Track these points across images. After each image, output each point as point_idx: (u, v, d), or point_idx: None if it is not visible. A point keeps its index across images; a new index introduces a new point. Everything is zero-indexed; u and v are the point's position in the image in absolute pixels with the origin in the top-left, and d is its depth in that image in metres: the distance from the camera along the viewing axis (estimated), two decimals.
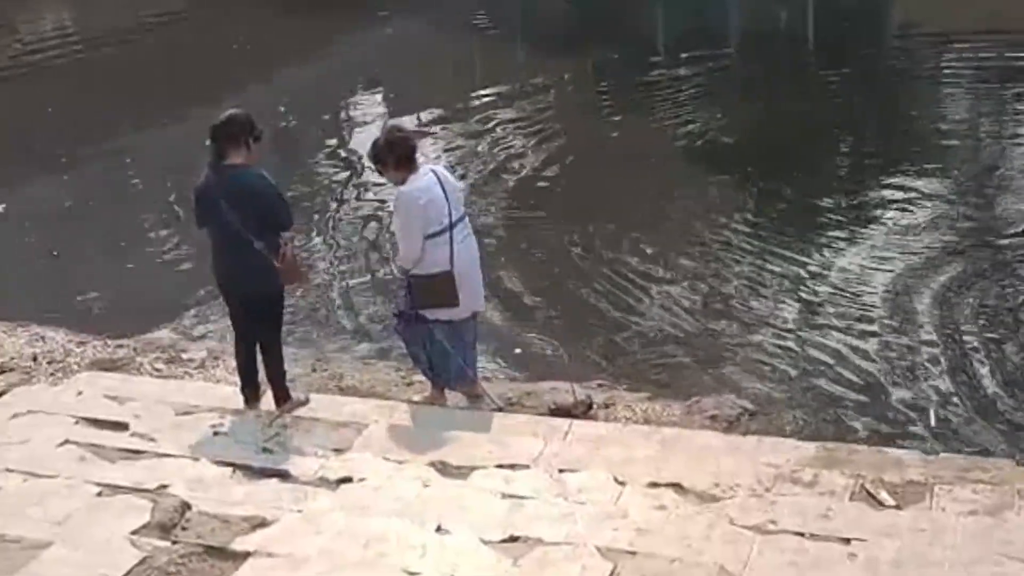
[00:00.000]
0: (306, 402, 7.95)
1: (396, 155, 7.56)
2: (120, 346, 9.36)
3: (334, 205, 13.39)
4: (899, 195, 12.59)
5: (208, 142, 7.59)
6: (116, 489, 6.72)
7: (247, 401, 7.94)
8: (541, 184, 13.65)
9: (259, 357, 7.94)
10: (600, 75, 18.91)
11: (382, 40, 21.20)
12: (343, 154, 15.62)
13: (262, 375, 7.96)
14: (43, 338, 9.47)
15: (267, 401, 7.94)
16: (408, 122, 15.25)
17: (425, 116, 16.28)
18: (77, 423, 7.68)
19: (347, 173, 14.61)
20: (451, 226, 7.57)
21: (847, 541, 6.00)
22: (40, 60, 21.20)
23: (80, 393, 8.20)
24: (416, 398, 8.15)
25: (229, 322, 9.56)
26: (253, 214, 7.39)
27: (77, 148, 15.27)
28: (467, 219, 7.83)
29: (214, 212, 7.42)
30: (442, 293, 7.60)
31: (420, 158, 7.78)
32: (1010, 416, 8.38)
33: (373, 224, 12.49)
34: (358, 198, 13.53)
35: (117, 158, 14.94)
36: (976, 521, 6.17)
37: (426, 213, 7.46)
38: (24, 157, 15.04)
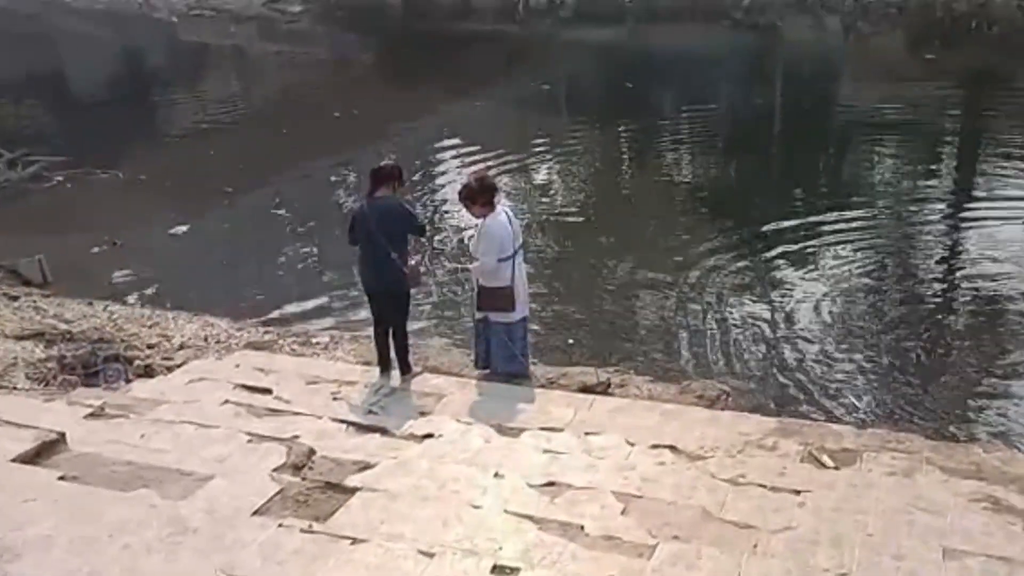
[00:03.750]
0: (420, 373, 7.98)
1: (486, 196, 7.52)
2: (267, 332, 9.42)
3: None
4: (840, 233, 12.46)
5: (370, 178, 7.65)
6: (262, 438, 6.77)
7: (382, 371, 7.95)
8: (573, 221, 13.56)
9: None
10: (621, 138, 18.85)
11: (471, 110, 21.17)
12: (431, 192, 15.65)
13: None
14: (212, 324, 9.55)
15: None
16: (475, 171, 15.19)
17: (493, 168, 16.19)
18: (235, 388, 7.73)
19: (432, 209, 14.60)
20: (515, 253, 7.56)
21: (798, 492, 5.96)
22: (215, 124, 21.42)
23: (237, 366, 8.27)
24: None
25: (348, 316, 9.58)
26: (394, 231, 7.47)
27: (238, 185, 15.38)
28: (522, 248, 7.82)
29: (366, 230, 7.47)
30: (503, 301, 7.60)
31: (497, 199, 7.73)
32: (921, 402, 8.32)
33: (452, 246, 12.50)
34: (440, 227, 13.54)
35: (268, 193, 15.02)
36: (895, 480, 6.12)
37: (503, 243, 7.46)
38: (199, 191, 15.18)
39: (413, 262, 7.67)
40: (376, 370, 7.99)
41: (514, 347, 7.75)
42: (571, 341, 9.60)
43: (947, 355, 9.16)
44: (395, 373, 7.93)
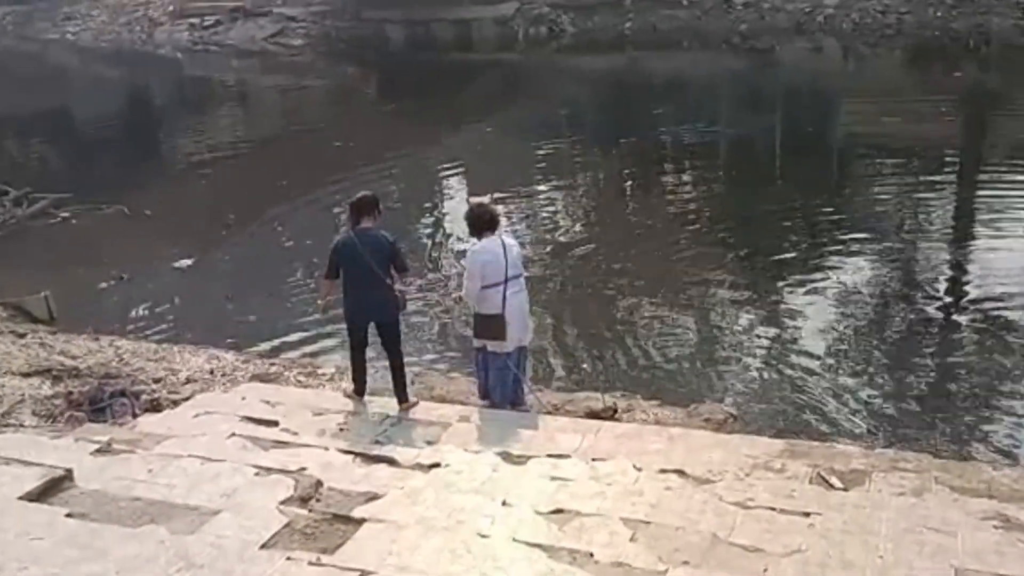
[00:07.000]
0: (416, 404, 7.96)
1: (484, 221, 7.64)
2: (273, 364, 9.40)
3: (426, 256, 13.26)
4: (843, 255, 12.43)
5: (348, 211, 7.91)
6: (268, 470, 6.74)
7: (359, 395, 8.03)
8: (577, 248, 13.47)
9: (368, 366, 8.07)
10: (624, 164, 18.82)
11: (474, 138, 21.12)
12: (434, 218, 15.67)
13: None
14: (218, 357, 9.54)
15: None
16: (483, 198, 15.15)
17: (499, 193, 16.09)
18: (241, 420, 7.71)
19: (437, 236, 14.61)
20: (505, 281, 7.55)
21: (807, 515, 5.92)
22: (218, 157, 21.47)
23: (244, 398, 8.24)
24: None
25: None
26: (383, 261, 7.55)
27: (242, 217, 15.35)
28: (521, 278, 7.78)
29: (356, 260, 7.53)
30: (495, 329, 7.62)
31: (500, 226, 7.79)
32: (929, 422, 8.27)
33: (454, 271, 12.45)
34: (443, 253, 13.51)
35: (271, 225, 15.01)
36: (904, 500, 6.07)
37: (484, 269, 7.50)
38: (203, 224, 15.18)
39: (398, 289, 7.72)
40: (381, 400, 7.96)
41: (512, 376, 7.73)
42: (584, 366, 9.58)
43: (954, 375, 9.11)
44: (383, 400, 7.92)
